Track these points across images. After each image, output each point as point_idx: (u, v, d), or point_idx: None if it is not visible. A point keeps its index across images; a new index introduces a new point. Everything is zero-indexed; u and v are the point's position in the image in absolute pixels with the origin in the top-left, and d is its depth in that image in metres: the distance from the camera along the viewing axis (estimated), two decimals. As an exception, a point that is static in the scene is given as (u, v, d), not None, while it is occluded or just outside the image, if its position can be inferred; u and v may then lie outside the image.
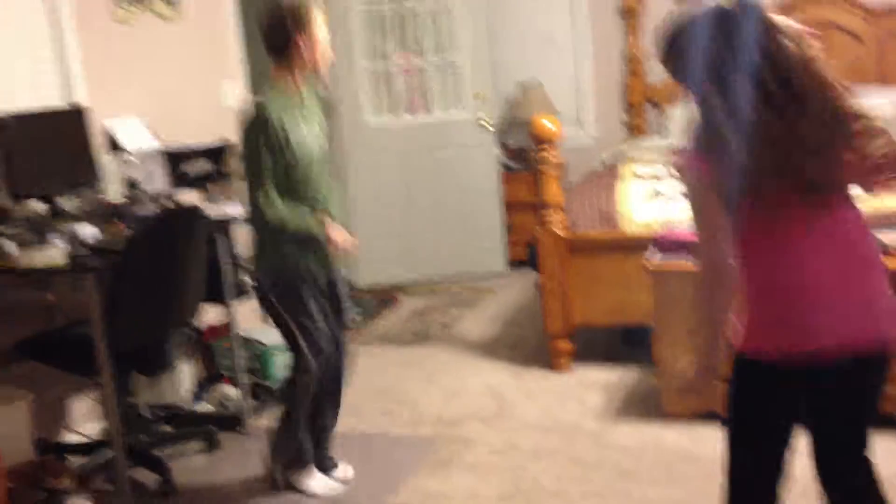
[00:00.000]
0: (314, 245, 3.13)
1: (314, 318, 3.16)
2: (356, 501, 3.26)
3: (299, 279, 3.12)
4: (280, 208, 3.04)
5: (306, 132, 3.09)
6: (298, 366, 3.19)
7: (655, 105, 6.11)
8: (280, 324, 3.19)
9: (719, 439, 3.40)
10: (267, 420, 3.94)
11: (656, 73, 6.05)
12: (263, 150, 2.99)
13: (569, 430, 3.68)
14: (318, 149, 3.15)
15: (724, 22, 1.90)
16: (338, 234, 3.15)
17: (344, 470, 3.40)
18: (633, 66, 6.08)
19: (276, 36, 3.05)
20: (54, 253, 3.17)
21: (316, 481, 3.31)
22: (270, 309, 3.19)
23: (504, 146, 6.35)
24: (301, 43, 3.03)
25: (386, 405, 4.06)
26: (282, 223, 3.04)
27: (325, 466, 3.37)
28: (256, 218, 3.11)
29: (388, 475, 3.42)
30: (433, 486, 3.32)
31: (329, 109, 3.37)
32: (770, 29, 1.92)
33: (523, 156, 6.32)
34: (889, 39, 5.41)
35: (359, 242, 3.29)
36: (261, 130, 2.99)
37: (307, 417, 3.27)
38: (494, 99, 6.08)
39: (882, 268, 2.01)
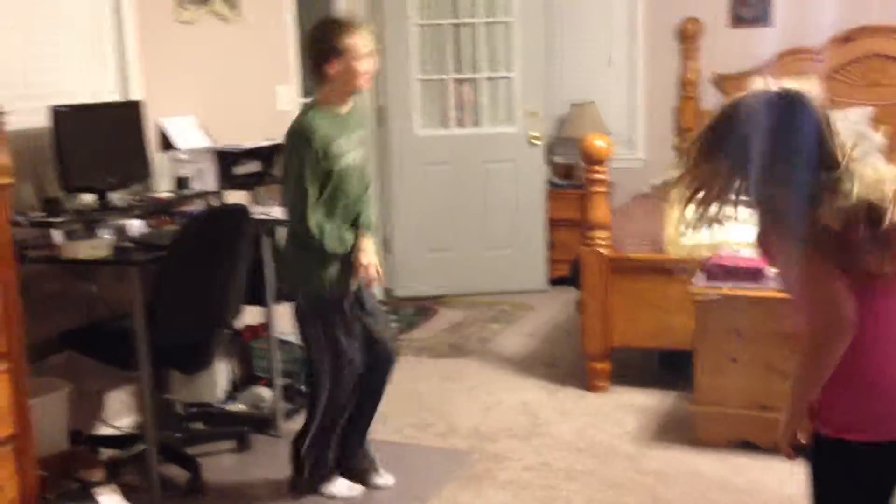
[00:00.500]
0: (343, 261, 3.14)
1: (350, 333, 3.17)
2: (385, 511, 3.25)
3: (338, 296, 3.14)
4: (323, 223, 3.06)
5: (345, 145, 3.11)
6: (324, 381, 3.20)
7: (707, 130, 6.04)
8: (310, 338, 3.21)
9: (754, 469, 3.36)
10: (300, 423, 3.95)
11: (710, 98, 6.00)
12: (307, 163, 3.02)
13: (603, 451, 3.63)
14: (357, 162, 3.18)
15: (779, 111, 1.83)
16: (368, 259, 3.15)
17: (385, 477, 3.40)
18: (687, 90, 6.02)
19: (310, 59, 3.11)
20: (100, 245, 3.21)
21: (337, 486, 3.31)
22: (303, 324, 3.21)
23: (552, 163, 6.33)
24: (332, 69, 3.06)
25: (421, 416, 4.04)
26: (320, 239, 3.06)
27: (365, 469, 3.37)
28: (296, 232, 3.13)
29: (421, 486, 3.39)
30: (465, 499, 3.29)
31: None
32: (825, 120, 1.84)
33: (570, 173, 6.29)
34: (874, 60, 5.32)
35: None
36: (305, 143, 3.02)
37: (333, 429, 3.26)
38: (546, 115, 6.07)
39: None
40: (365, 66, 3.08)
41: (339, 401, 3.21)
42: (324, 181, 3.06)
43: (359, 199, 3.20)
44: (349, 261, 3.14)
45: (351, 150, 3.13)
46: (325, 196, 3.08)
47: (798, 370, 1.90)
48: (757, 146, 1.82)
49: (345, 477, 3.34)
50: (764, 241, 1.94)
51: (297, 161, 3.04)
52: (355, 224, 3.19)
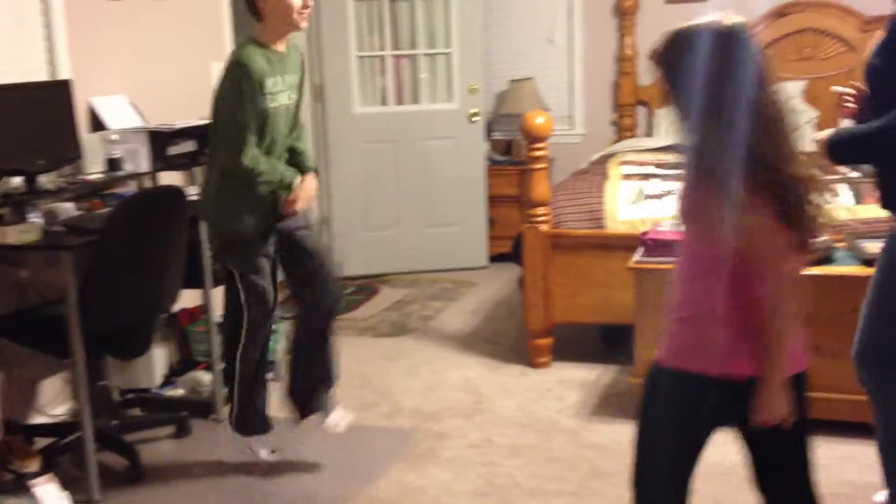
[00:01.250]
0: (268, 202, 3.14)
1: (263, 276, 3.19)
2: (332, 492, 3.23)
3: (254, 238, 3.15)
4: (258, 158, 3.05)
5: (280, 84, 3.09)
6: (241, 322, 3.23)
7: (646, 106, 6.10)
8: (228, 278, 3.25)
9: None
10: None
11: (647, 74, 6.05)
12: (244, 97, 2.99)
13: (546, 427, 3.66)
14: (288, 103, 3.17)
15: (725, 43, 1.85)
16: (301, 194, 3.15)
17: (341, 416, 3.44)
18: (624, 66, 6.05)
19: None
20: (30, 229, 3.12)
21: (259, 444, 3.35)
22: (220, 261, 3.28)
23: (491, 139, 6.32)
24: (263, 5, 3.05)
25: (365, 396, 4.02)
26: (256, 173, 3.05)
27: (322, 409, 3.40)
28: (218, 167, 3.13)
29: (366, 467, 3.38)
30: (410, 479, 3.29)
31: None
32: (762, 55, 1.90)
33: (510, 149, 6.30)
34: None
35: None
36: (244, 76, 2.98)
37: (252, 379, 3.29)
38: (485, 92, 6.05)
39: None
40: (299, 1, 3.04)
41: (254, 341, 3.24)
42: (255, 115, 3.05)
43: (284, 140, 3.19)
44: (271, 202, 3.14)
45: (285, 90, 3.12)
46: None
47: (775, 331, 1.90)
48: (696, 79, 1.83)
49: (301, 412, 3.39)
50: (690, 200, 1.94)
51: (234, 95, 3.00)
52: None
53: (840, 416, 3.33)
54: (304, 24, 3.10)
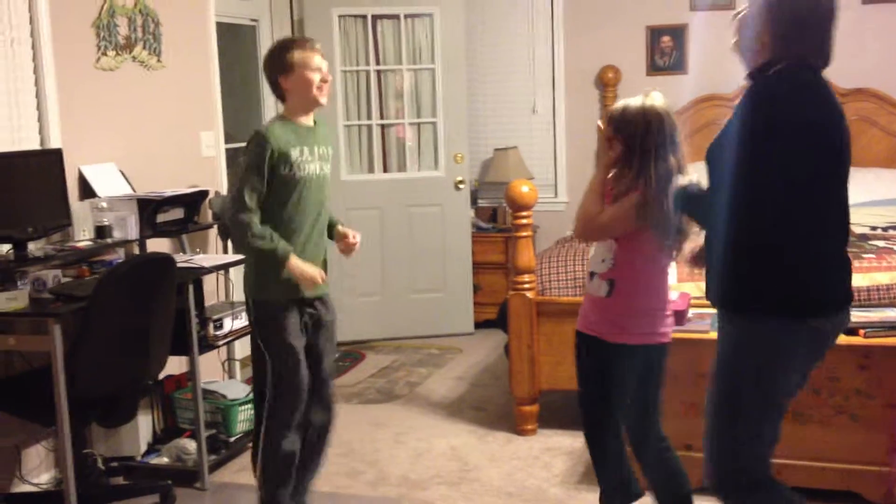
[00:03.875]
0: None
1: (294, 347, 3.14)
2: (314, 563, 3.20)
3: (286, 302, 3.13)
4: (256, 220, 3.06)
5: (308, 153, 3.14)
6: (276, 385, 3.15)
7: (628, 174, 6.19)
8: (258, 350, 3.20)
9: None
10: (226, 475, 3.88)
11: (629, 142, 6.15)
12: (256, 161, 3.04)
13: (532, 496, 3.64)
14: (319, 171, 3.19)
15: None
16: (301, 270, 3.11)
17: None
18: (606, 135, 6.15)
19: (267, 78, 3.19)
20: (17, 296, 3.13)
21: None
22: (254, 332, 3.21)
23: (476, 206, 6.39)
24: (285, 84, 3.13)
25: (351, 464, 4.00)
26: (250, 231, 3.05)
27: None
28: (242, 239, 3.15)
29: (348, 536, 3.35)
30: (393, 549, 3.26)
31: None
32: None
33: (495, 217, 6.36)
34: (855, 123, 5.51)
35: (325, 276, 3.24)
36: (261, 143, 3.05)
37: (284, 437, 3.18)
38: (470, 160, 6.14)
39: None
40: (318, 77, 3.13)
41: (289, 404, 3.15)
42: (283, 188, 3.09)
43: (317, 210, 3.20)
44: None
45: (315, 161, 3.16)
46: (284, 203, 3.10)
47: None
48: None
49: None
50: None
51: (249, 160, 3.07)
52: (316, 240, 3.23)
53: (823, 485, 3.34)
54: (323, 99, 3.17)
